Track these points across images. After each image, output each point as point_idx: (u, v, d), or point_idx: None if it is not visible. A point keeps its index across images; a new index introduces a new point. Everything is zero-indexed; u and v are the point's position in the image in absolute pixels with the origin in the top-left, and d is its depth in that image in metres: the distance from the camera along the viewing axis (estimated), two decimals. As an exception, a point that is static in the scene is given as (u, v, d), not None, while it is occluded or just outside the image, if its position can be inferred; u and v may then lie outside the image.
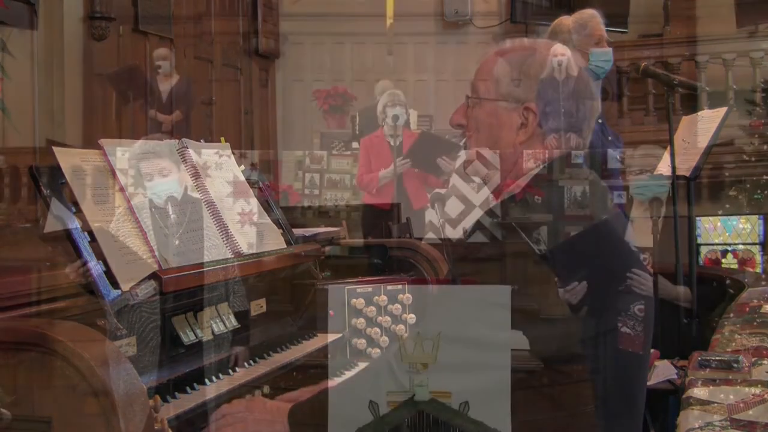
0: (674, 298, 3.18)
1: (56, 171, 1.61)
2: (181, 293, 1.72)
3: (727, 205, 5.50)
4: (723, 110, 3.55)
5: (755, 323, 2.35)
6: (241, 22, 8.63)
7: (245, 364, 1.88)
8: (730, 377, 1.80)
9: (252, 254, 1.96)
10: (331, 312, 2.20)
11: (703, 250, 4.98)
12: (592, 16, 3.33)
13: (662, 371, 2.59)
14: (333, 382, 1.31)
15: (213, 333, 1.81)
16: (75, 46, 6.86)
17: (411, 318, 2.20)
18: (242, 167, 2.16)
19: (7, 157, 5.95)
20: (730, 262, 5.00)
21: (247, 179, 2.13)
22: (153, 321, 1.66)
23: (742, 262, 4.97)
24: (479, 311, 1.15)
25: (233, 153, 2.12)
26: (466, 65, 8.43)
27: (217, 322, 1.83)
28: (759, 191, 5.50)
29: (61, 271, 1.55)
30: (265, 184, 2.27)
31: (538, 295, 1.52)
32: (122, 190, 1.73)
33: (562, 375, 1.52)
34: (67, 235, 1.55)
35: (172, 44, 7.41)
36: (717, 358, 1.90)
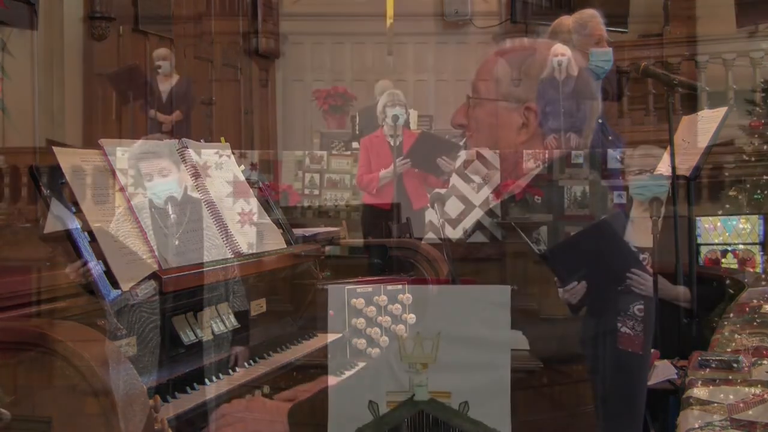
0: (674, 298, 3.18)
1: (56, 171, 1.61)
2: (181, 293, 1.72)
3: (727, 205, 5.50)
4: (723, 110, 3.54)
5: (755, 323, 2.35)
6: (241, 22, 8.64)
7: (245, 364, 1.88)
8: (730, 377, 1.80)
9: (252, 254, 1.96)
10: (331, 312, 2.20)
11: (703, 250, 4.97)
12: (592, 16, 3.33)
13: (662, 371, 2.59)
14: (331, 381, 1.31)
15: (213, 333, 1.81)
16: (75, 46, 6.87)
17: (411, 318, 2.20)
18: (242, 167, 2.16)
19: (7, 157, 5.95)
20: (730, 262, 4.99)
21: (247, 179, 2.13)
22: (153, 321, 1.66)
23: (742, 262, 4.96)
24: (479, 311, 1.15)
25: (233, 153, 2.12)
26: (466, 65, 8.44)
27: (217, 322, 1.83)
28: (759, 191, 5.49)
29: (61, 271, 1.55)
30: (265, 184, 2.27)
31: (538, 295, 1.52)
32: (122, 190, 1.73)
33: (562, 375, 1.52)
34: (67, 235, 1.55)
35: (172, 44, 7.41)
36: (717, 358, 1.90)
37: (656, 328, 1.57)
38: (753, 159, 5.87)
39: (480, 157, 1.64)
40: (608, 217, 1.69)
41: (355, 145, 7.22)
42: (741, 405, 1.60)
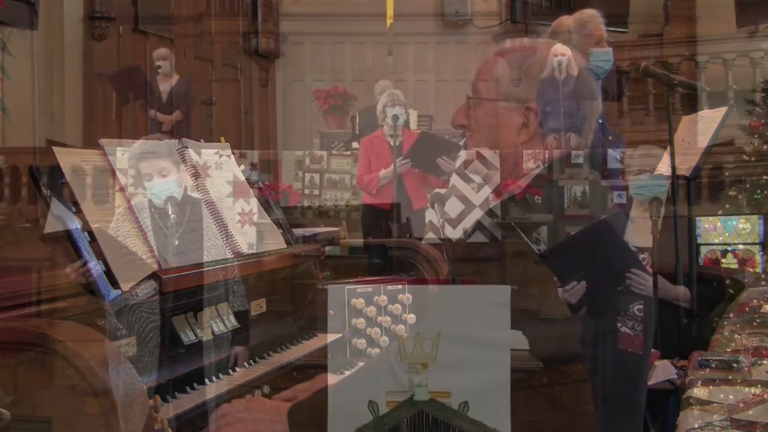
0: (674, 298, 3.18)
1: (56, 171, 1.61)
2: (181, 293, 1.72)
3: (727, 205, 5.50)
4: (723, 110, 3.54)
5: (755, 323, 2.35)
6: (241, 22, 8.64)
7: (245, 364, 1.88)
8: (730, 377, 1.79)
9: (252, 254, 1.96)
10: (331, 312, 2.20)
11: (703, 250, 4.97)
12: (592, 16, 3.33)
13: (662, 371, 2.59)
14: (331, 381, 1.31)
15: (213, 333, 1.81)
16: (75, 46, 6.87)
17: (411, 318, 2.20)
18: (242, 167, 2.16)
19: (7, 157, 5.95)
20: (730, 262, 4.99)
21: (247, 179, 2.13)
22: (153, 321, 1.66)
23: (742, 262, 4.96)
24: (479, 311, 1.15)
25: (233, 153, 2.12)
26: (466, 65, 8.44)
27: (217, 322, 1.83)
28: (759, 191, 5.49)
29: (61, 271, 1.55)
30: (265, 184, 2.28)
31: (538, 295, 1.52)
32: (122, 190, 1.73)
33: (562, 375, 1.52)
34: (67, 235, 1.55)
35: (172, 44, 7.41)
36: (717, 358, 1.90)
37: (656, 328, 1.57)
38: (753, 159, 5.86)
39: (480, 157, 1.64)
40: (608, 217, 1.69)
41: (355, 145, 7.22)
42: (741, 405, 1.60)
